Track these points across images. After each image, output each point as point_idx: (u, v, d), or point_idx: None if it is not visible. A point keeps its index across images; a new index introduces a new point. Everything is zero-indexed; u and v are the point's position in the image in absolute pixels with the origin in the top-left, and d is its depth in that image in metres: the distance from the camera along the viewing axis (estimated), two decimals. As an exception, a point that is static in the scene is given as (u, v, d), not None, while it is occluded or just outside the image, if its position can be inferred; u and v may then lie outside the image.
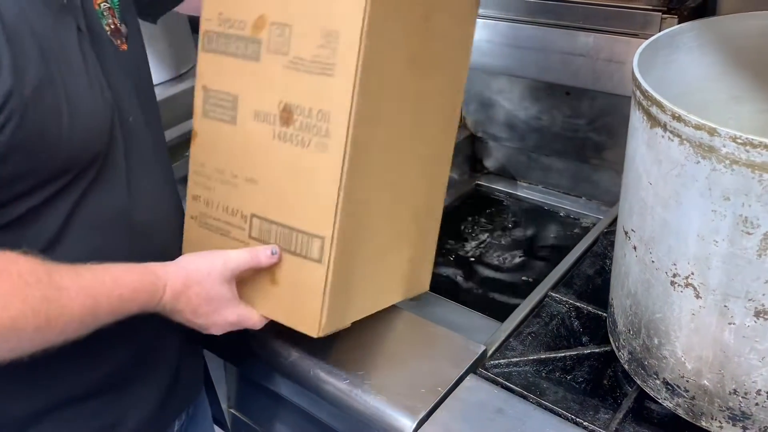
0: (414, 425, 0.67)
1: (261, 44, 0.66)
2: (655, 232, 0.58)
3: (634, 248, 0.61)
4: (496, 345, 0.76)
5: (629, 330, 0.65)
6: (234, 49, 0.68)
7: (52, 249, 0.62)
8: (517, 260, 1.15)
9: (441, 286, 1.10)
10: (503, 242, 1.20)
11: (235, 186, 0.72)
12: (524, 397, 0.69)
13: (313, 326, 0.69)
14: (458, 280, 1.12)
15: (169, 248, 0.74)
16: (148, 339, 0.73)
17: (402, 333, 0.81)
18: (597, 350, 0.74)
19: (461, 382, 0.71)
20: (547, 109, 1.18)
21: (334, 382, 0.73)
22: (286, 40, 0.64)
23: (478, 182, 1.35)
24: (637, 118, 0.58)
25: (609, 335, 0.72)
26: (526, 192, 1.29)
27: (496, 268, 1.13)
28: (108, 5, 0.70)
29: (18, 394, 0.66)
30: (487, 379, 0.71)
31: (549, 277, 0.87)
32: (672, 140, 0.52)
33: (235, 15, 0.67)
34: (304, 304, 0.70)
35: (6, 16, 0.54)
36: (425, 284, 0.87)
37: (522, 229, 1.22)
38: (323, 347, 0.76)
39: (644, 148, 0.57)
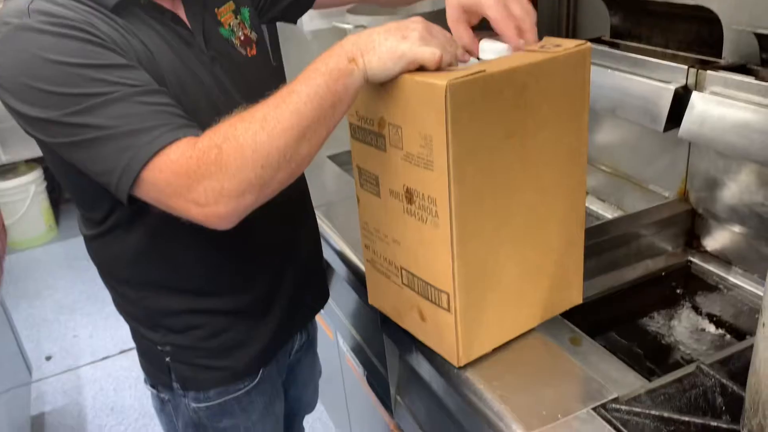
0: (522, 436, 0.75)
1: (385, 138, 0.81)
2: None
3: (764, 325, 0.62)
4: (628, 396, 0.79)
5: (750, 408, 0.66)
6: (369, 140, 0.85)
7: None
8: (704, 346, 1.12)
9: (618, 350, 1.12)
10: (695, 323, 1.17)
11: (387, 244, 0.90)
12: (633, 445, 0.72)
13: (453, 358, 0.87)
14: (636, 350, 1.12)
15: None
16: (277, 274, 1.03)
17: (549, 367, 0.88)
18: (724, 426, 0.73)
19: (578, 413, 0.77)
20: (776, 197, 1.13)
21: (472, 381, 0.85)
22: (400, 138, 0.79)
23: (691, 259, 1.32)
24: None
25: (741, 413, 0.72)
26: (739, 278, 1.23)
27: (679, 344, 1.11)
28: (238, 21, 0.96)
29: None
30: (602, 417, 0.75)
31: (711, 356, 0.87)
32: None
33: (366, 114, 0.84)
34: (444, 340, 0.87)
35: (162, 63, 0.84)
36: (575, 298, 0.97)
37: (722, 315, 1.18)
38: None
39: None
